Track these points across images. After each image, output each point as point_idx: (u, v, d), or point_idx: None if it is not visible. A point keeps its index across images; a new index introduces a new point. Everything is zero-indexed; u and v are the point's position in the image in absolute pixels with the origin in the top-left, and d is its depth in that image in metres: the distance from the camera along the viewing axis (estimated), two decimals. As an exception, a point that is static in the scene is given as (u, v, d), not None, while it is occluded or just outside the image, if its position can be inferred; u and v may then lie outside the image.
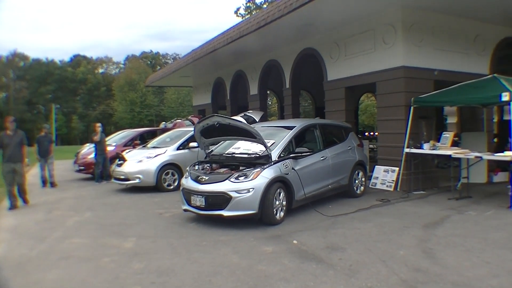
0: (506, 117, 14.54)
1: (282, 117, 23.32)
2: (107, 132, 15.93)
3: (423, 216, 7.80)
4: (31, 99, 70.81)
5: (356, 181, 9.65)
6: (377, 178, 10.86)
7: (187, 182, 7.76)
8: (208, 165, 8.18)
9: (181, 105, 69.21)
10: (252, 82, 17.90)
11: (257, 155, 7.71)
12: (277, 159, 7.60)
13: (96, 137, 13.39)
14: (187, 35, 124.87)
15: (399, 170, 10.44)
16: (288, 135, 8.19)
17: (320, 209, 8.32)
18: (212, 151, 8.70)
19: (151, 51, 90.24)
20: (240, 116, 13.72)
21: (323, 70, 13.33)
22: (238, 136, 7.90)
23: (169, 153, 11.61)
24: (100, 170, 13.38)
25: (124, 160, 11.60)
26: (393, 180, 10.49)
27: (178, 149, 11.82)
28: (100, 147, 13.40)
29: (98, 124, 13.91)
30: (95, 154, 13.52)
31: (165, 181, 11.40)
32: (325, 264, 5.35)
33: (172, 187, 11.40)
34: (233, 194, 7.05)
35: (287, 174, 7.59)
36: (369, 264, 5.26)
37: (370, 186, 10.68)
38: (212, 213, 7.28)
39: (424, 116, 10.68)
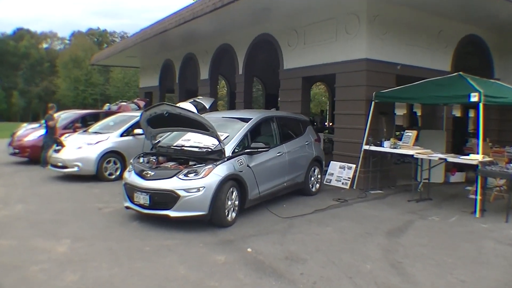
0: (456, 113, 14.58)
1: (231, 103, 22.63)
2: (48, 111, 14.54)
3: (385, 220, 7.38)
4: (-31, 71, 66.00)
5: (312, 178, 9.14)
6: (332, 174, 10.42)
7: (130, 177, 6.93)
8: (154, 157, 7.37)
9: (127, 85, 66.70)
10: (203, 66, 17.00)
11: (209, 150, 6.98)
12: (231, 154, 6.91)
13: (52, 122, 12.22)
14: (135, 13, 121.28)
15: (356, 167, 10.04)
16: (244, 128, 7.50)
17: (274, 209, 7.73)
18: (159, 142, 7.88)
19: (98, 28, 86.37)
20: (190, 102, 12.85)
21: (279, 58, 12.69)
22: (189, 127, 7.13)
23: (111, 139, 10.63)
24: (46, 153, 12.10)
25: (62, 145, 10.50)
26: (349, 178, 10.07)
27: (121, 135, 10.85)
28: (51, 129, 12.22)
29: (52, 104, 12.66)
30: (45, 135, 12.28)
31: (107, 170, 10.44)
32: (286, 280, 4.76)
33: (113, 176, 10.46)
34: (181, 193, 6.31)
35: (241, 171, 6.92)
36: (334, 281, 4.72)
37: (324, 182, 10.23)
38: (157, 212, 6.51)
39: (385, 112, 10.31)
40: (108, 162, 10.44)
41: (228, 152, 6.89)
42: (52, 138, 11.69)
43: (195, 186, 6.35)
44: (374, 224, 7.15)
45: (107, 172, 10.44)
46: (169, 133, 8.10)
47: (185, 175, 6.45)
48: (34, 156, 12.82)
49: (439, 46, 11.88)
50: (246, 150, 7.18)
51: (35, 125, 15.16)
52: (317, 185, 9.32)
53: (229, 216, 6.75)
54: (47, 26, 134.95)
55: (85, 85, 66.59)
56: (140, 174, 6.75)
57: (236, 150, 7.07)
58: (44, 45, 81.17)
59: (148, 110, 7.14)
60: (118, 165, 10.59)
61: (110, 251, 5.60)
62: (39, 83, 70.64)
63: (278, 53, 12.71)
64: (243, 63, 14.37)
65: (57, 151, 10.50)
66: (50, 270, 4.95)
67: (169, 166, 6.89)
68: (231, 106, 21.53)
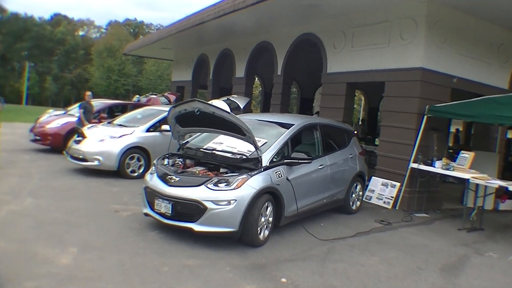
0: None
1: (265, 104, 21.72)
2: (80, 98, 13.98)
3: (436, 252, 6.35)
4: (5, 54, 66.75)
5: (353, 195, 8.14)
6: (373, 191, 9.39)
7: (152, 180, 6.08)
8: (181, 160, 6.51)
9: (159, 78, 66.57)
10: (240, 63, 16.11)
11: (244, 157, 6.07)
12: (268, 164, 5.99)
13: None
14: (176, 7, 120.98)
15: (401, 186, 8.99)
16: (285, 135, 6.56)
17: (311, 228, 6.78)
18: (187, 142, 7.01)
19: (135, 19, 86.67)
20: (223, 100, 12.02)
21: (323, 60, 11.69)
22: (222, 129, 6.24)
23: (137, 134, 9.84)
24: None
25: (83, 136, 9.77)
26: (392, 197, 9.03)
27: (148, 130, 10.05)
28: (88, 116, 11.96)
29: (89, 93, 12.28)
30: (78, 122, 11.81)
31: (129, 166, 9.64)
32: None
33: (136, 174, 9.66)
34: (209, 205, 5.43)
35: (279, 184, 5.99)
36: None
37: (364, 199, 9.20)
38: (179, 224, 5.64)
39: (436, 128, 9.23)
40: (131, 158, 9.65)
41: (265, 161, 5.97)
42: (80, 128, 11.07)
43: (226, 199, 5.46)
44: (425, 256, 6.13)
45: (130, 169, 9.64)
46: (199, 133, 7.24)
47: (215, 184, 5.56)
48: (56, 144, 12.14)
49: (499, 61, 10.72)
50: (285, 161, 6.24)
51: (60, 111, 14.58)
52: (358, 203, 8.32)
53: (262, 234, 5.83)
54: (85, 14, 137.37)
55: (118, 75, 66.74)
56: (163, 178, 5.90)
57: (274, 160, 6.14)
58: (80, 33, 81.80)
59: (178, 106, 6.29)
60: (142, 162, 9.79)
61: (121, 269, 4.75)
62: (72, 70, 71.27)
63: (322, 55, 11.71)
64: (283, 63, 13.40)
65: (77, 142, 9.77)
66: (48, 289, 4.15)
67: (196, 171, 6.02)
68: (265, 108, 20.64)
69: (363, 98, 21.46)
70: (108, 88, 65.02)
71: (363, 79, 10.45)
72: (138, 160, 9.75)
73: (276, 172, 5.94)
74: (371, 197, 9.35)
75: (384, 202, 9.13)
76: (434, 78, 9.13)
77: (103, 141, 9.53)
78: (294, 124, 6.84)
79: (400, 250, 6.30)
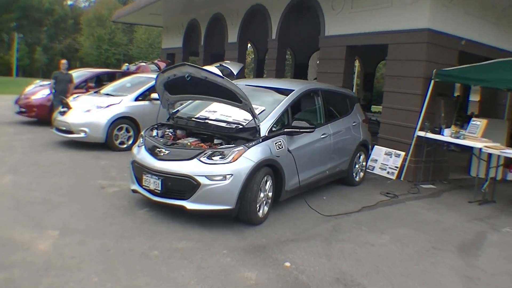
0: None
1: (259, 71, 20.93)
2: (72, 68, 12.96)
3: (449, 229, 5.84)
4: (-6, 26, 64.73)
5: (357, 166, 7.58)
6: (376, 161, 8.84)
7: (140, 153, 5.47)
8: (171, 130, 5.89)
9: (150, 47, 64.81)
10: (232, 28, 15.22)
11: (240, 126, 5.45)
12: (267, 134, 5.38)
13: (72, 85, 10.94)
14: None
15: (406, 155, 8.44)
16: (284, 102, 5.92)
17: (313, 202, 6.24)
18: (177, 111, 6.37)
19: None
20: (215, 66, 11.30)
21: (320, 23, 10.92)
22: (216, 96, 5.59)
23: (125, 103, 9.15)
24: None
25: (68, 107, 9.07)
26: (397, 167, 8.49)
27: (136, 99, 9.35)
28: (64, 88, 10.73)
29: (63, 62, 11.07)
30: (54, 94, 10.72)
31: (117, 138, 9.00)
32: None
33: (125, 146, 9.02)
34: (202, 180, 4.85)
35: (279, 156, 5.40)
36: None
37: (366, 169, 8.66)
38: (170, 202, 5.06)
39: (444, 94, 8.60)
40: (120, 129, 8.99)
41: (263, 131, 5.35)
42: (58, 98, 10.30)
43: (221, 173, 4.87)
44: (438, 233, 5.62)
45: (118, 141, 9.00)
46: (190, 101, 6.59)
47: (209, 157, 4.96)
48: (42, 116, 11.42)
49: (509, 22, 10.01)
50: (286, 130, 5.64)
51: (47, 82, 13.78)
52: (361, 174, 7.77)
53: (261, 211, 5.28)
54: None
55: (109, 44, 64.95)
56: (152, 151, 5.28)
57: (273, 129, 5.53)
58: (69, 2, 79.27)
59: (166, 72, 5.61)
60: (131, 133, 9.14)
61: (105, 255, 4.18)
62: (62, 40, 69.30)
63: (320, 18, 10.92)
64: (278, 27, 12.57)
65: (62, 113, 9.08)
66: (19, 282, 3.57)
67: (188, 143, 5.39)
68: (258, 75, 19.87)
69: (357, 63, 20.68)
70: (99, 58, 63.38)
71: (364, 42, 9.73)
72: (127, 131, 9.11)
73: (276, 143, 5.33)
74: (373, 167, 8.80)
75: (388, 173, 8.59)
76: (441, 40, 8.45)
77: (89, 111, 8.85)
78: (293, 90, 6.18)
79: (411, 227, 5.78)
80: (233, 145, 5.14)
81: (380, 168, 8.74)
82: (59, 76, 10.75)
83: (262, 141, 5.27)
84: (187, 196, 4.94)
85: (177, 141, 5.56)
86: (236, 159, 4.96)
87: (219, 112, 5.94)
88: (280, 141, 5.35)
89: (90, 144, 8.87)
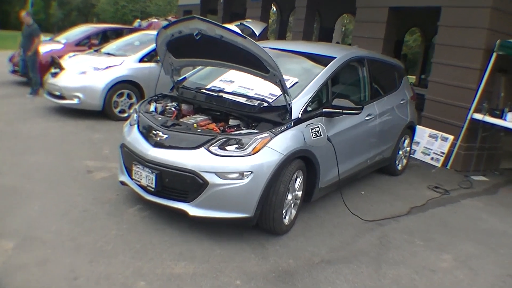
0: None
1: (281, 34, 19.12)
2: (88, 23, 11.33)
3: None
4: (9, -21, 62.66)
5: (400, 152, 6.12)
6: (417, 143, 7.35)
7: (131, 135, 4.08)
8: (174, 105, 4.47)
9: (169, 4, 62.37)
10: (255, -16, 13.50)
11: (266, 104, 4.01)
12: (300, 115, 3.96)
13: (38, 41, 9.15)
14: None
15: (455, 140, 6.94)
16: (323, 73, 4.42)
17: (349, 198, 4.84)
18: (183, 79, 4.92)
19: None
20: (235, 25, 9.68)
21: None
22: (234, 62, 4.13)
23: (127, 65, 7.69)
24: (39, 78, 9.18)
25: (61, 68, 7.66)
26: (443, 153, 7.01)
27: (141, 60, 7.89)
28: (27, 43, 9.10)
29: (23, 13, 9.23)
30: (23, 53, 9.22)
31: (117, 105, 7.61)
32: None
33: (126, 114, 7.62)
34: (211, 178, 3.47)
35: (313, 146, 3.98)
36: None
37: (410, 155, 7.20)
38: (167, 204, 3.70)
39: (505, 70, 6.98)
40: (120, 95, 7.59)
41: (296, 111, 3.93)
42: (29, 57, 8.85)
43: (237, 169, 3.49)
44: (511, 252, 4.26)
45: (118, 109, 7.61)
46: (200, 67, 5.14)
47: (221, 146, 3.56)
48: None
49: None
50: (325, 110, 4.20)
51: (47, 38, 12.31)
52: (404, 161, 6.31)
53: (287, 217, 3.92)
54: None
55: (126, 0, 62.74)
56: (146, 134, 3.89)
57: (308, 109, 4.10)
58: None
59: (170, 27, 4.13)
60: (133, 100, 7.74)
61: (70, 286, 2.89)
62: (78, -6, 67.15)
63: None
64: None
65: (54, 75, 7.68)
66: None
67: (194, 124, 3.98)
68: (281, 37, 18.11)
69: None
70: (116, 14, 61.15)
71: (411, 3, 8.06)
72: (129, 97, 7.70)
73: (312, 129, 3.88)
74: (414, 151, 7.32)
75: (432, 159, 7.13)
76: (508, 5, 6.78)
77: (85, 73, 7.43)
78: (335, 58, 4.66)
79: (475, 241, 4.37)
80: (255, 131, 3.72)
81: (422, 152, 7.27)
82: (24, 31, 9.16)
83: (294, 125, 3.86)
84: (190, 198, 3.58)
85: (181, 119, 4.15)
86: (259, 150, 3.56)
87: (237, 82, 4.48)
88: (318, 127, 3.89)
89: (86, 112, 7.50)
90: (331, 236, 4.05)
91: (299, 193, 4.07)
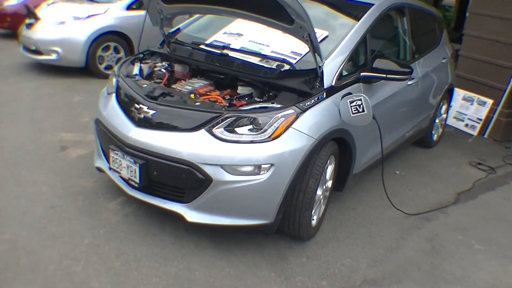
0: None
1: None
2: None
3: None
4: None
5: (437, 121, 5.06)
6: (450, 107, 6.26)
7: (108, 107, 3.00)
8: (165, 65, 3.36)
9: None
10: None
11: (287, 66, 2.91)
12: (334, 83, 2.88)
13: None
14: None
15: (496, 105, 5.86)
16: (360, 25, 3.26)
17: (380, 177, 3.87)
18: (177, 31, 3.76)
19: None
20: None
21: None
22: (243, 8, 2.96)
23: (113, 13, 6.44)
24: None
25: (36, 18, 6.42)
26: (480, 119, 5.94)
27: (129, 8, 6.61)
28: None
29: None
30: None
31: (103, 61, 6.43)
32: None
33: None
34: (215, 173, 2.45)
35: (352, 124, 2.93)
36: None
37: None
38: (157, 204, 2.68)
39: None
40: (106, 49, 6.39)
41: (329, 76, 2.85)
42: None
43: (252, 161, 2.46)
44: None
45: (103, 65, 6.44)
46: (197, 15, 3.96)
47: (229, 128, 2.51)
48: (17, 28, 8.69)
49: None
50: (364, 74, 3.11)
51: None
52: (440, 131, 5.27)
53: (315, 217, 2.94)
54: None
55: None
56: (126, 107, 2.83)
57: (344, 74, 3.02)
58: None
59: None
60: (121, 54, 6.56)
61: None
62: None
63: None
64: None
65: (29, 26, 6.45)
66: None
67: (191, 94, 2.89)
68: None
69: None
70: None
71: None
72: (116, 51, 6.52)
73: (351, 101, 2.81)
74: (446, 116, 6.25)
75: (467, 126, 6.07)
76: None
77: (64, 24, 6.20)
78: (372, 4, 3.50)
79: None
80: (275, 105, 2.66)
81: (455, 117, 6.20)
82: None
83: (326, 96, 2.79)
84: (188, 198, 2.58)
85: (173, 86, 3.07)
86: (281, 134, 2.51)
87: (246, 36, 3.35)
88: (360, 99, 2.78)
89: (68, 70, 6.34)
90: (370, 239, 3.08)
91: (329, 183, 3.06)
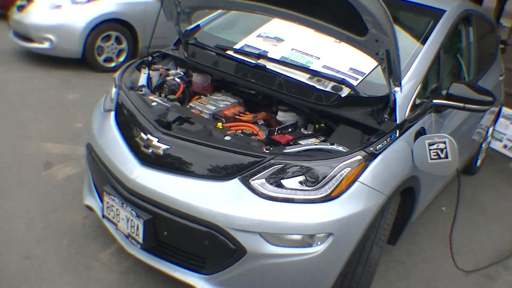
0: None
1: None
2: None
3: None
4: None
5: (483, 145, 4.33)
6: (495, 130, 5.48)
7: (104, 131, 2.19)
8: (180, 73, 2.57)
9: None
10: None
11: (347, 88, 2.11)
12: (407, 114, 2.12)
13: None
14: None
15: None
16: (434, 37, 2.45)
17: (426, 218, 3.15)
18: (196, 28, 2.92)
19: None
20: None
21: None
22: (291, 8, 2.17)
23: (115, -2, 5.66)
24: None
25: (28, -1, 5.59)
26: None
27: (135, -8, 5.84)
28: None
29: None
30: None
31: (102, 52, 5.58)
32: None
33: (113, 64, 5.67)
34: (250, 243, 1.69)
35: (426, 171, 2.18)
36: None
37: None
38: (165, 270, 1.92)
39: None
40: (106, 39, 5.55)
41: (403, 106, 2.09)
42: None
43: (304, 229, 1.71)
44: None
45: (103, 57, 5.62)
46: (220, 12, 3.14)
47: (272, 179, 1.75)
48: (7, 8, 7.81)
49: None
50: (437, 102, 2.34)
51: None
52: (483, 155, 4.54)
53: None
54: None
55: None
56: (129, 135, 2.04)
57: (416, 102, 2.26)
58: None
59: None
60: (124, 45, 5.73)
61: None
62: None
63: None
64: None
65: (20, 8, 5.59)
66: None
67: (216, 121, 2.11)
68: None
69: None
70: None
71: None
72: (117, 41, 5.67)
73: (431, 144, 2.03)
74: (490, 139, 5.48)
75: (506, 147, 5.29)
76: None
77: (60, 8, 5.33)
78: (444, 11, 2.72)
79: None
80: (337, 148, 1.89)
81: (498, 140, 5.47)
82: None
83: (400, 133, 2.04)
84: (209, 269, 1.84)
85: (190, 105, 2.31)
86: (345, 190, 1.76)
87: (288, 42, 2.54)
88: (443, 142, 2.01)
89: (62, 61, 5.49)
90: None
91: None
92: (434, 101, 2.34)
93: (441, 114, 2.48)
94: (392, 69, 1.92)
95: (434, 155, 2.04)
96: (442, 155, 2.03)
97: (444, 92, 2.39)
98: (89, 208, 2.33)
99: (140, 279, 2.19)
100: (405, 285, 2.55)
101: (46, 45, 5.29)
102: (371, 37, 1.86)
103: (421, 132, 2.22)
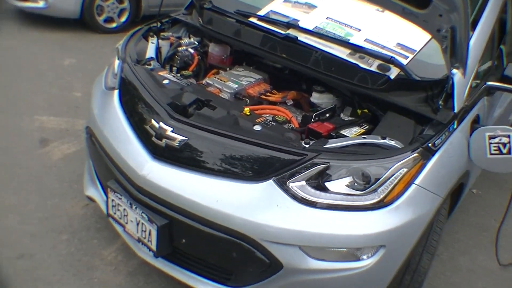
0: None
1: None
2: None
3: None
4: None
5: None
6: None
7: (107, 115, 1.84)
8: (194, 43, 2.20)
9: None
10: None
11: (396, 67, 1.74)
12: (464, 102, 1.79)
13: None
14: None
15: None
16: (490, 9, 2.06)
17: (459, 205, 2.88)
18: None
19: None
20: None
21: None
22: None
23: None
24: None
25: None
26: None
27: None
28: None
29: None
30: None
31: (102, 11, 5.12)
32: None
33: (114, 25, 5.18)
34: (288, 257, 1.39)
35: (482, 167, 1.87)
36: None
37: None
38: (183, 280, 1.63)
39: None
40: (106, -3, 5.13)
41: (460, 93, 1.75)
42: None
43: (353, 242, 1.41)
44: None
45: (103, 17, 5.14)
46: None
47: (314, 182, 1.43)
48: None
49: None
50: (491, 85, 1.98)
51: None
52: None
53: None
54: None
55: None
56: (137, 121, 1.70)
57: (473, 84, 1.92)
58: None
59: None
60: (125, 4, 5.24)
61: None
62: None
63: None
64: None
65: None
66: None
67: (245, 108, 1.74)
68: None
69: None
70: None
71: None
72: (118, 0, 5.23)
73: (492, 137, 1.72)
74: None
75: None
76: None
77: (53, -38, 4.87)
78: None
79: None
80: (391, 143, 1.56)
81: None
82: None
83: (458, 124, 1.72)
84: (236, 281, 1.55)
85: (206, 81, 1.96)
86: (400, 195, 1.45)
87: (322, 9, 2.13)
88: (507, 136, 1.71)
89: (59, 21, 5.01)
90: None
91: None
92: (488, 83, 2.00)
93: (492, 98, 2.15)
94: (456, 49, 1.57)
95: (494, 150, 1.73)
96: (505, 151, 1.71)
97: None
98: (91, 199, 2.02)
99: (152, 281, 1.91)
100: (444, 283, 2.29)
101: (40, 4, 4.77)
102: (434, 10, 1.50)
103: (475, 121, 1.90)
